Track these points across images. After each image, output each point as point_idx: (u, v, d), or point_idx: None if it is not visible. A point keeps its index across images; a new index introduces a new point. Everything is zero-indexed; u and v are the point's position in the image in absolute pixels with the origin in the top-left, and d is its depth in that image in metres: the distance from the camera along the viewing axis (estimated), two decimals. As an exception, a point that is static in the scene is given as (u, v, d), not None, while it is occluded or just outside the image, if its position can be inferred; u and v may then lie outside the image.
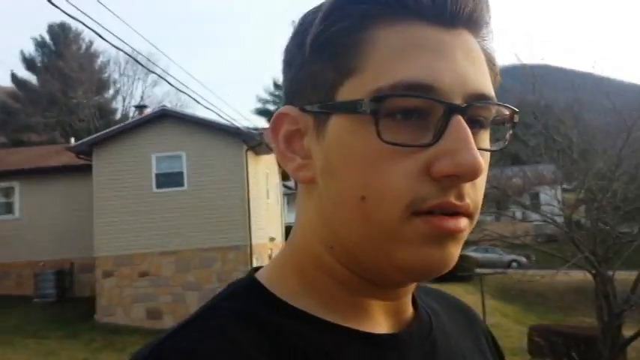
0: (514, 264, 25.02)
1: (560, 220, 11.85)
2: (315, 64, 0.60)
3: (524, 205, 13.78)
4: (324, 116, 0.60)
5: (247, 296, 0.62)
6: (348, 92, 0.57)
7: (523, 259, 24.56)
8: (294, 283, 0.64)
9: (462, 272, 19.40)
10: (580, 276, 11.42)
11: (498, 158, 11.41)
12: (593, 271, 9.93)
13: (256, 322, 0.58)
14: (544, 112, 11.86)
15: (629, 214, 10.87)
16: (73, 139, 22.44)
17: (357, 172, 0.57)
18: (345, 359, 0.58)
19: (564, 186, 14.13)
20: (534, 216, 14.50)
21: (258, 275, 0.66)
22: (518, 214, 15.19)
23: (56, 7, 6.67)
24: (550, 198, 13.90)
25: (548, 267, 12.71)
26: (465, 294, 14.64)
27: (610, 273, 9.80)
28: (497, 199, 13.39)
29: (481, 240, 15.74)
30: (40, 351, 12.91)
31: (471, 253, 23.28)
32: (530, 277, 13.54)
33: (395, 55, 0.56)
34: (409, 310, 0.68)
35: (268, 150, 17.27)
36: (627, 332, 9.82)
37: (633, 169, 10.44)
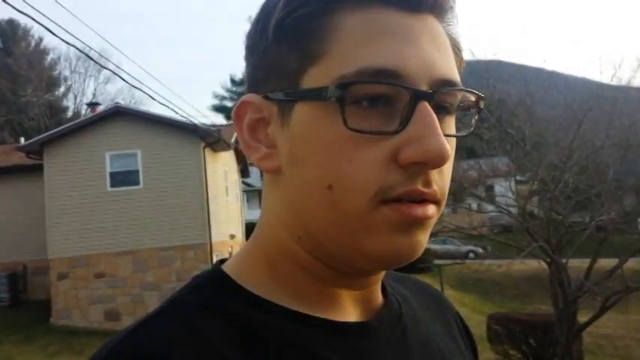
0: (471, 254, 25.54)
1: (514, 210, 12.14)
2: (279, 50, 0.58)
3: (479, 196, 14.03)
4: (289, 104, 0.58)
5: (213, 288, 0.61)
6: (312, 79, 0.56)
7: (480, 250, 25.08)
8: (262, 274, 0.62)
9: (421, 263, 19.75)
10: (535, 264, 11.73)
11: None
12: (548, 260, 10.16)
13: (223, 314, 0.57)
14: (498, 106, 12.11)
15: (581, 203, 11.23)
16: (22, 139, 21.75)
17: (323, 161, 0.56)
18: (314, 349, 0.58)
19: (518, 177, 14.53)
20: (489, 207, 14.82)
21: (224, 267, 0.64)
22: (474, 206, 15.50)
23: (7, 3, 6.49)
24: (504, 189, 14.24)
25: (504, 257, 13.02)
26: (424, 285, 14.78)
27: (564, 261, 10.08)
28: (453, 192, 13.61)
29: (439, 232, 15.95)
30: (-5, 357, 12.56)
31: (430, 245, 23.65)
32: (487, 266, 13.84)
33: (360, 41, 0.55)
34: (379, 298, 0.68)
35: (226, 147, 17.11)
36: (582, 318, 10.15)
37: (584, 160, 10.76)
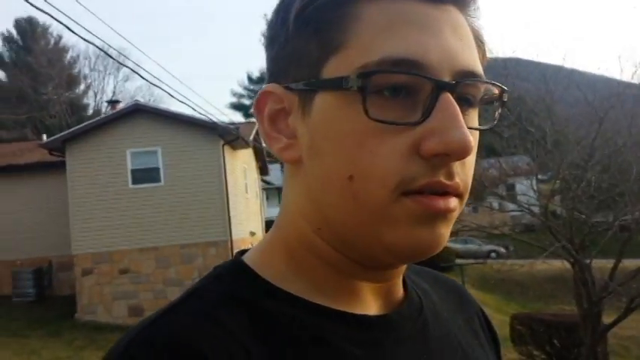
0: (493, 254, 25.34)
1: (536, 209, 12.02)
2: (299, 40, 0.58)
3: (501, 195, 13.93)
4: (310, 94, 0.58)
5: (234, 279, 0.61)
6: (333, 69, 0.56)
7: (502, 249, 24.90)
8: (282, 266, 0.62)
9: (443, 263, 19.68)
10: (558, 264, 11.60)
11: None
12: (571, 260, 10.03)
13: (244, 305, 0.57)
14: (517, 104, 11.99)
15: (604, 202, 11.08)
16: (45, 136, 21.94)
17: (344, 151, 0.55)
18: (334, 342, 0.57)
19: (539, 176, 14.37)
20: (511, 206, 14.71)
21: (245, 257, 0.64)
22: (495, 205, 15.39)
23: (26, 1, 6.57)
24: (526, 188, 14.11)
25: (527, 256, 12.89)
26: (445, 285, 14.64)
27: (587, 261, 9.96)
28: (474, 191, 13.50)
29: (460, 231, 15.91)
30: (22, 350, 12.74)
31: (451, 244, 23.56)
32: (509, 266, 13.72)
33: (382, 31, 0.54)
34: (399, 292, 0.67)
35: (245, 145, 17.21)
36: (606, 319, 10.02)
37: (606, 158, 10.61)
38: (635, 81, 11.51)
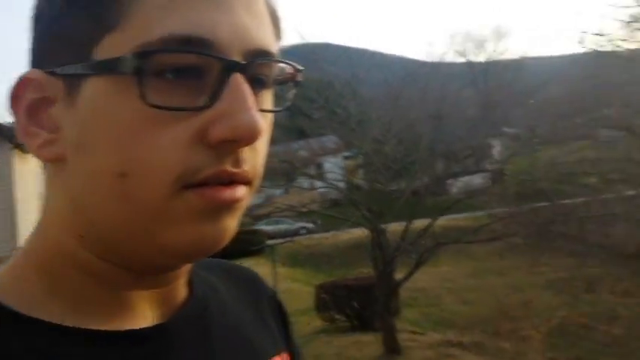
0: (302, 231, 26.27)
1: (342, 185, 12.83)
2: (68, 17, 0.50)
3: (310, 175, 14.58)
4: (78, 79, 0.49)
5: None
6: (108, 50, 0.48)
7: (311, 225, 25.92)
8: (34, 287, 0.53)
9: (253, 246, 20.07)
10: (359, 233, 12.41)
11: (284, 132, 12.08)
12: (370, 227, 10.90)
13: None
14: (326, 88, 12.70)
15: (398, 172, 12.18)
16: None
17: (116, 144, 0.48)
18: None
19: (346, 154, 15.38)
20: (319, 184, 15.47)
21: None
22: (306, 185, 16.10)
23: None
24: (333, 166, 14.99)
25: (333, 229, 13.63)
26: (256, 266, 14.94)
27: (383, 226, 10.85)
28: (286, 173, 14.02)
29: (272, 213, 16.38)
30: None
31: (263, 227, 24.05)
32: (317, 240, 14.43)
33: (165, 6, 0.48)
34: (182, 294, 0.61)
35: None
36: (400, 276, 10.93)
37: (401, 132, 11.70)
38: (429, 60, 12.80)
